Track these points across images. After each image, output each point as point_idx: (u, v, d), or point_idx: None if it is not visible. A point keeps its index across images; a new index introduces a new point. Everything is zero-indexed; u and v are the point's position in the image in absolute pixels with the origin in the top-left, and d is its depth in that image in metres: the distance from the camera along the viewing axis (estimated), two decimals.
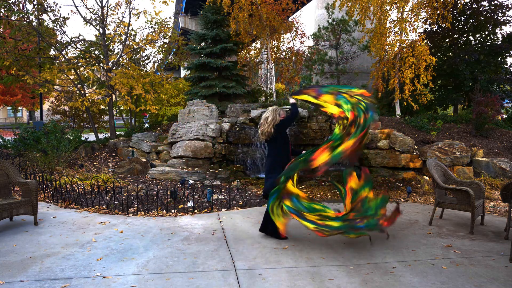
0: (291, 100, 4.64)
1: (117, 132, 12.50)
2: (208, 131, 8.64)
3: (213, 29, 12.20)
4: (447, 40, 12.63)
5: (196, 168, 8.22)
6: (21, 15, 10.59)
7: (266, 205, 6.19)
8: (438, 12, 10.40)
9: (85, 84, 12.09)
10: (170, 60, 13.82)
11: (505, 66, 12.58)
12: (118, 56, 11.47)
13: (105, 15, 11.18)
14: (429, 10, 10.77)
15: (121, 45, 11.86)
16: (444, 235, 4.70)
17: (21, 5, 10.59)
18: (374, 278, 3.45)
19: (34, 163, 8.75)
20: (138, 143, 9.84)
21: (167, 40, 13.06)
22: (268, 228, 4.58)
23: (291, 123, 4.69)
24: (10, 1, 10.43)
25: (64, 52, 11.44)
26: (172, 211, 5.69)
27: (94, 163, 9.34)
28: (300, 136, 8.85)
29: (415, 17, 10.83)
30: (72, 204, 6.04)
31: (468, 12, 12.15)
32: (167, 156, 9.04)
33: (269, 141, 4.52)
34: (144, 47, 12.21)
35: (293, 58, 14.12)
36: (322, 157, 4.08)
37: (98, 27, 11.46)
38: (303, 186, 7.57)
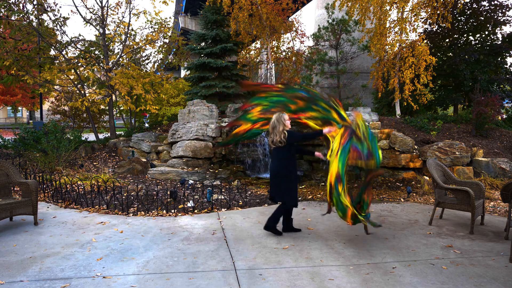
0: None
1: (117, 132, 12.50)
2: (208, 131, 8.64)
3: (213, 29, 12.20)
4: (447, 40, 12.63)
5: (196, 168, 8.22)
6: (21, 15, 10.59)
7: (266, 205, 6.20)
8: (438, 12, 10.41)
9: (85, 84, 12.10)
10: (170, 60, 13.82)
11: (505, 66, 12.57)
12: (118, 56, 11.47)
13: (105, 15, 11.18)
14: (429, 10, 10.77)
15: (121, 45, 11.86)
16: (444, 235, 4.70)
17: (21, 5, 10.59)
18: (374, 278, 3.45)
19: (34, 163, 8.76)
20: (138, 143, 9.84)
21: (167, 40, 13.06)
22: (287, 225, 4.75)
23: (298, 141, 4.74)
24: (10, 1, 10.43)
25: (64, 52, 11.44)
26: (172, 211, 5.69)
27: (94, 163, 9.34)
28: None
29: (415, 17, 10.83)
30: (72, 204, 6.04)
31: (468, 12, 12.15)
32: (167, 156, 9.04)
33: (279, 148, 4.49)
34: (144, 47, 12.21)
35: (293, 58, 14.13)
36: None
37: (98, 27, 11.46)
38: (303, 186, 7.57)
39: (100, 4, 11.15)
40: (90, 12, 11.48)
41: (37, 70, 11.99)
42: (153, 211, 5.67)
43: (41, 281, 3.35)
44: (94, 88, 12.59)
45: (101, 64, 11.58)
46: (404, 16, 10.67)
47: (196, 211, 5.76)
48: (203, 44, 12.72)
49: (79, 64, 11.29)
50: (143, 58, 13.44)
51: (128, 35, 11.80)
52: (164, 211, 5.67)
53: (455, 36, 12.49)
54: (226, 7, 11.78)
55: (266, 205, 6.16)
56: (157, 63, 13.69)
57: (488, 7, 12.03)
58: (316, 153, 4.81)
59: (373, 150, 4.37)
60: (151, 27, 12.28)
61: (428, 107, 12.82)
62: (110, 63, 11.11)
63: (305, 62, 16.20)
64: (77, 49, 11.67)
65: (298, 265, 3.74)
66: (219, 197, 6.44)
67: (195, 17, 25.20)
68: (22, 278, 3.41)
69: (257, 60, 15.34)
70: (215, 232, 4.78)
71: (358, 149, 4.32)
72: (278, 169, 4.51)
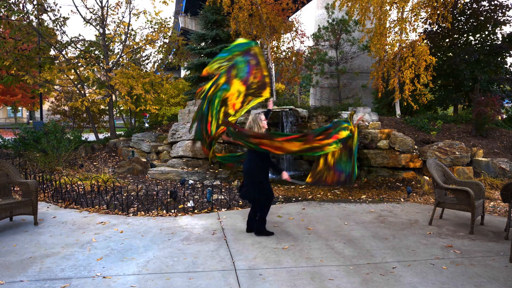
0: None
1: (117, 132, 12.50)
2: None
3: (213, 29, 12.21)
4: (447, 40, 12.63)
5: (196, 168, 8.22)
6: (21, 15, 10.59)
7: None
8: (438, 12, 10.40)
9: (85, 84, 12.10)
10: (170, 60, 13.82)
11: (505, 66, 12.58)
12: (118, 56, 11.47)
13: (105, 15, 11.18)
14: (429, 10, 10.77)
15: (121, 45, 11.86)
16: (444, 235, 4.70)
17: (21, 5, 10.59)
18: (374, 278, 3.45)
19: (34, 163, 8.75)
20: (138, 143, 9.84)
21: (167, 40, 13.06)
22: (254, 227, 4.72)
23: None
24: (10, 1, 10.43)
25: (64, 52, 11.44)
26: (172, 211, 5.69)
27: (94, 163, 9.34)
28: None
29: (415, 17, 10.83)
30: (72, 204, 6.04)
31: (468, 12, 12.15)
32: (167, 156, 9.04)
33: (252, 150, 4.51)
34: (144, 47, 12.21)
35: (293, 58, 14.13)
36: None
37: (98, 27, 11.46)
38: (303, 186, 7.57)
39: (100, 4, 11.15)
40: (90, 12, 11.48)
41: (37, 70, 11.99)
42: (153, 211, 5.67)
43: (41, 281, 3.35)
44: (94, 88, 12.59)
45: (101, 64, 11.58)
46: (404, 16, 10.67)
47: (196, 211, 5.76)
48: (203, 44, 12.73)
49: (79, 64, 11.28)
50: (143, 58, 13.43)
51: (128, 35, 11.80)
52: (164, 211, 5.67)
53: (455, 36, 12.49)
54: (226, 7, 11.78)
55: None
56: (157, 63, 13.69)
57: (488, 7, 12.04)
58: (284, 175, 4.48)
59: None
60: (151, 27, 12.28)
61: (428, 107, 12.82)
62: (110, 63, 11.11)
63: (305, 62, 16.20)
64: (77, 49, 11.67)
65: (298, 265, 3.73)
66: (219, 197, 6.44)
67: (195, 17, 25.17)
68: (22, 278, 3.41)
69: None
70: (215, 232, 4.78)
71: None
72: (247, 170, 4.59)
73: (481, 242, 4.45)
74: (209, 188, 6.68)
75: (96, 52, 12.14)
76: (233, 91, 4.46)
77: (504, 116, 12.13)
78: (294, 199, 6.62)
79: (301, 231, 4.80)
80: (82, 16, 11.33)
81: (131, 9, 11.50)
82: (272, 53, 13.38)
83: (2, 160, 5.45)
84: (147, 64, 13.64)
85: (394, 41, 11.03)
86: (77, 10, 11.30)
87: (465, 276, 3.49)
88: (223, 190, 7.02)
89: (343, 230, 4.86)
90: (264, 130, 4.50)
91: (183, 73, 20.04)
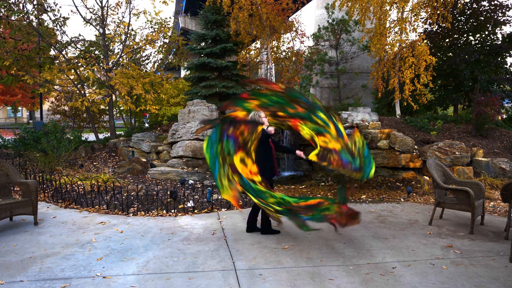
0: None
1: (117, 132, 12.50)
2: (208, 131, 8.63)
3: (213, 29, 12.19)
4: (447, 40, 12.63)
5: (196, 168, 8.22)
6: (21, 15, 10.59)
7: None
8: (438, 12, 10.40)
9: (85, 84, 12.10)
10: (170, 60, 13.82)
11: (505, 66, 12.57)
12: (118, 56, 11.47)
13: (105, 15, 11.18)
14: (429, 10, 10.77)
15: (121, 45, 11.86)
16: (444, 235, 4.70)
17: (21, 5, 10.59)
18: (374, 278, 3.45)
19: (34, 163, 8.76)
20: (138, 143, 9.84)
21: (167, 40, 13.06)
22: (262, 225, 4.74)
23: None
24: (10, 1, 10.43)
25: (64, 52, 11.44)
26: (172, 211, 5.69)
27: (94, 163, 9.34)
28: (300, 136, 8.84)
29: (415, 17, 10.83)
30: (72, 204, 6.04)
31: (468, 12, 12.15)
32: (167, 156, 9.04)
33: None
34: (144, 47, 12.22)
35: (293, 58, 14.11)
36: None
37: (98, 27, 11.46)
38: (303, 186, 7.57)
39: (100, 4, 11.15)
40: (90, 12, 11.48)
41: (37, 70, 11.99)
42: (153, 211, 5.67)
43: (41, 281, 3.35)
44: (94, 88, 12.59)
45: (101, 64, 11.58)
46: (404, 16, 10.67)
47: (196, 211, 5.76)
48: (203, 44, 12.71)
49: (79, 64, 11.29)
50: (143, 58, 13.43)
51: (128, 35, 11.80)
52: (164, 211, 5.67)
53: (455, 36, 12.49)
54: (226, 7, 11.77)
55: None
56: (157, 63, 13.69)
57: (488, 7, 12.03)
58: (298, 152, 4.80)
59: (364, 166, 4.39)
60: (151, 27, 12.29)
61: (428, 107, 12.81)
62: (110, 63, 11.11)
63: (305, 62, 16.19)
64: (77, 49, 11.67)
65: (298, 265, 3.74)
66: (219, 197, 6.44)
67: (195, 17, 25.16)
68: (22, 278, 3.41)
69: (257, 60, 15.34)
70: (215, 232, 4.78)
71: (343, 159, 4.30)
72: None
73: (481, 242, 4.45)
74: (209, 188, 6.68)
75: (96, 52, 12.14)
76: (326, 139, 4.51)
77: (504, 116, 12.13)
78: None
79: (301, 231, 4.78)
80: (82, 16, 11.34)
81: (131, 9, 11.50)
82: (272, 53, 13.37)
83: (2, 160, 5.45)
84: (147, 64, 13.65)
85: (394, 41, 11.03)
86: (77, 10, 11.31)
87: (465, 276, 3.49)
88: None
89: (343, 230, 4.86)
90: (266, 127, 4.51)
91: (183, 73, 20.04)
